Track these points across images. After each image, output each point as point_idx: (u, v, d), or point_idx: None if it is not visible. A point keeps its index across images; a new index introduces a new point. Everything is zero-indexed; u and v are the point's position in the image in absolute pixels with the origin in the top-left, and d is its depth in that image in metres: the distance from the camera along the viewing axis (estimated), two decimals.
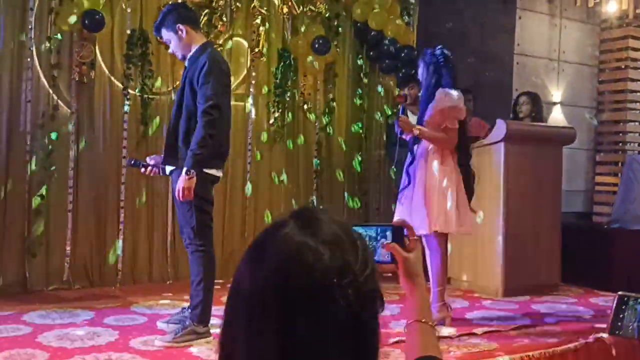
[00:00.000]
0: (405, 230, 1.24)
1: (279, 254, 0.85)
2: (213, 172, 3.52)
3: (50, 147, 4.63)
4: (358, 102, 6.00)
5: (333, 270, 0.84)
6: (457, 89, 4.00)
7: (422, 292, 1.24)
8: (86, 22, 4.60)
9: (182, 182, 3.34)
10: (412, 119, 4.70)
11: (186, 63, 3.59)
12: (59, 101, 4.68)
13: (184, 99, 3.50)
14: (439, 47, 4.05)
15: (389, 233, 1.24)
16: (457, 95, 3.96)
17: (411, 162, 3.98)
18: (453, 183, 3.92)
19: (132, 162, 3.76)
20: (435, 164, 3.92)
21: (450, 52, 4.04)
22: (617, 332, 1.38)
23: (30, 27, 4.56)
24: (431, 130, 3.92)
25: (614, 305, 1.38)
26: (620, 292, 1.39)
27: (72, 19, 4.56)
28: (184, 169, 3.34)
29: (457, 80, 4.05)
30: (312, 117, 5.78)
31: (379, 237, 1.24)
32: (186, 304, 3.67)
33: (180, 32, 3.52)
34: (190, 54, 3.56)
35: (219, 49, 5.15)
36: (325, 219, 0.90)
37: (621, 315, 1.37)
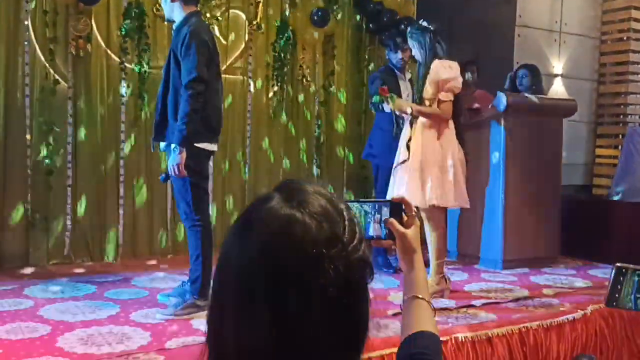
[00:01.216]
0: (403, 206, 1.24)
1: (266, 228, 0.84)
2: (206, 145, 3.49)
3: (48, 121, 4.61)
4: (358, 74, 5.95)
5: (321, 241, 0.83)
6: (452, 60, 3.97)
7: (419, 268, 1.24)
8: None
9: (172, 159, 3.34)
10: (403, 85, 4.71)
11: (173, 34, 3.58)
12: (55, 75, 4.65)
13: (170, 73, 3.47)
14: (422, 20, 4.03)
15: (385, 209, 1.24)
16: (453, 67, 3.92)
17: (410, 138, 3.96)
18: (451, 156, 3.91)
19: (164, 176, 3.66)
20: (433, 137, 3.90)
21: (433, 23, 4.00)
22: (614, 303, 1.38)
23: (25, 0, 4.51)
24: (427, 105, 3.91)
25: (612, 276, 1.38)
26: (618, 264, 1.38)
27: None
28: (172, 146, 3.34)
29: (447, 50, 4.01)
30: (311, 90, 5.75)
31: (374, 213, 1.24)
32: (186, 278, 3.70)
33: None
34: (175, 24, 3.54)
35: (214, 21, 5.12)
36: (310, 191, 0.89)
37: (619, 287, 1.37)
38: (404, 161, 3.95)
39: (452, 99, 3.90)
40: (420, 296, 1.22)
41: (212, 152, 3.61)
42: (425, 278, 1.27)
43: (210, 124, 3.49)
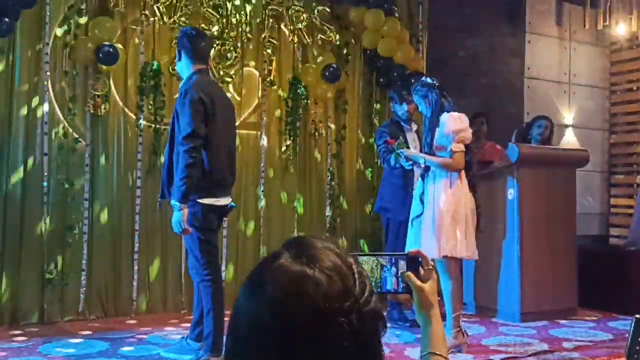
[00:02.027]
0: (419, 259, 1.25)
1: (277, 285, 0.86)
2: (212, 201, 3.48)
3: (66, 179, 4.68)
4: (369, 128, 6.02)
5: (333, 296, 0.84)
6: (459, 112, 4.03)
7: (436, 323, 1.24)
8: (100, 55, 4.68)
9: (174, 216, 3.37)
10: (410, 137, 4.74)
11: None
12: (74, 134, 4.75)
13: (175, 131, 3.53)
14: (424, 77, 4.12)
15: (402, 262, 1.24)
16: (462, 119, 3.97)
17: (424, 191, 3.98)
18: (463, 207, 3.91)
19: None
20: (445, 189, 3.91)
21: (437, 79, 4.09)
22: (635, 356, 1.35)
23: (45, 61, 4.66)
24: (438, 155, 3.94)
25: (631, 328, 1.36)
26: (637, 315, 1.37)
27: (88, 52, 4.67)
28: (172, 203, 3.37)
29: (454, 104, 4.07)
30: (323, 144, 5.81)
31: (390, 266, 1.24)
32: (186, 333, 3.75)
33: (179, 54, 3.66)
34: (181, 83, 3.65)
35: (229, 79, 5.23)
36: (319, 247, 0.90)
37: (639, 339, 1.35)
38: (419, 215, 3.96)
39: (463, 149, 3.93)
40: (437, 352, 1.21)
41: (222, 207, 3.59)
42: (443, 333, 1.26)
43: (213, 179, 3.48)
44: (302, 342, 0.82)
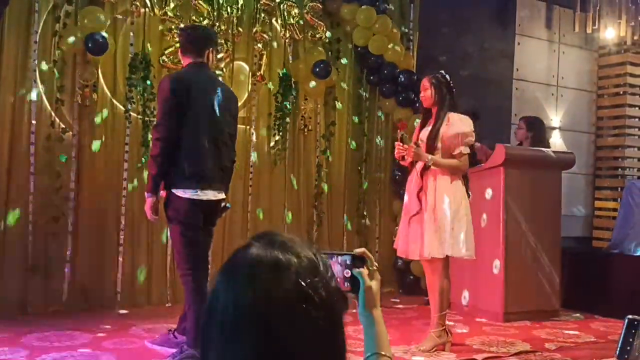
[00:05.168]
0: (365, 259, 1.25)
1: (255, 269, 0.91)
2: (192, 194, 3.38)
3: (52, 168, 4.64)
4: (358, 125, 6.03)
5: (304, 273, 0.91)
6: (462, 114, 4.02)
7: (380, 323, 1.25)
8: (89, 45, 4.64)
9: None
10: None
11: None
12: (61, 124, 4.71)
13: None
14: (442, 72, 4.08)
15: (348, 262, 1.25)
16: (469, 122, 3.97)
17: (421, 189, 3.93)
18: (464, 207, 3.90)
19: None
20: (446, 189, 3.89)
21: (449, 77, 4.08)
22: (625, 356, 1.36)
23: (34, 49, 4.61)
24: (442, 155, 3.91)
25: (623, 329, 1.37)
26: (629, 316, 1.38)
27: (73, 40, 4.63)
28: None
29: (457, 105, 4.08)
30: (312, 140, 5.81)
31: (337, 265, 1.25)
32: (173, 326, 3.71)
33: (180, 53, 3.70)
34: None
35: (219, 72, 5.21)
36: (286, 237, 0.98)
37: (630, 340, 1.36)
38: (417, 213, 3.91)
39: (469, 152, 3.93)
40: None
41: (206, 202, 3.45)
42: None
43: (190, 171, 3.39)
44: (278, 320, 0.87)
